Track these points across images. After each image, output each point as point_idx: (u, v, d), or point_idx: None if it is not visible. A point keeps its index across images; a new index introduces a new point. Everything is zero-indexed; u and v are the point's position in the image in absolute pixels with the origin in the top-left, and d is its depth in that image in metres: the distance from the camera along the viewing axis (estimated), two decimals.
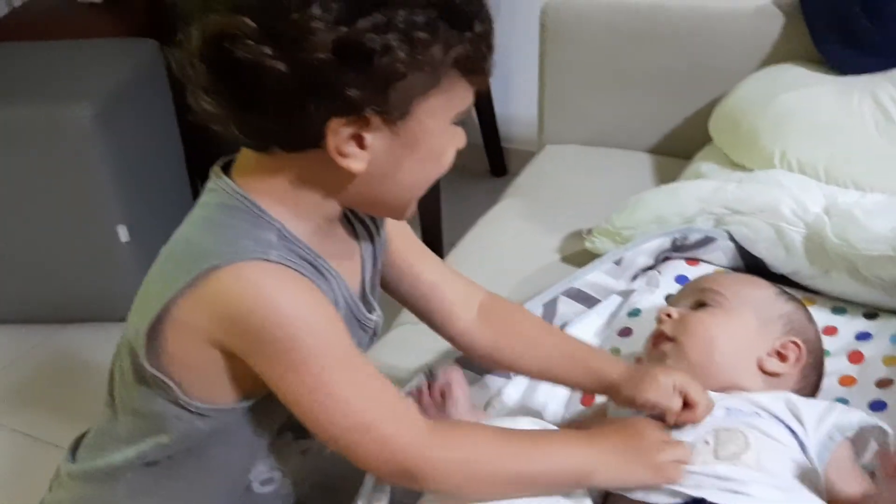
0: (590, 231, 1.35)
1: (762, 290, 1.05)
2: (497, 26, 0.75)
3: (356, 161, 0.73)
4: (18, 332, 2.09)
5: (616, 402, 0.94)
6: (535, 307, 1.13)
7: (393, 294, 0.96)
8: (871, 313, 1.16)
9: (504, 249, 1.47)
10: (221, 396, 0.79)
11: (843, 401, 1.04)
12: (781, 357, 0.99)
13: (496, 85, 2.59)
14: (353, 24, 0.66)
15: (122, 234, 1.98)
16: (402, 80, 0.69)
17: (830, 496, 0.85)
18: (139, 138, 2.12)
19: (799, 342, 0.99)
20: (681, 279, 1.23)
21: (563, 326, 1.16)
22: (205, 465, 0.83)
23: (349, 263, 0.85)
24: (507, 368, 1.04)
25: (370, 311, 0.87)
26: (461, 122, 0.79)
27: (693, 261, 1.26)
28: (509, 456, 0.80)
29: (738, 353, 0.98)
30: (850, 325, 1.16)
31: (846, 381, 1.07)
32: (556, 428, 0.94)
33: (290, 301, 0.72)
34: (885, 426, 0.91)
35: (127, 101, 2.07)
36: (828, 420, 0.89)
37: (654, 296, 1.20)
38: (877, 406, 1.02)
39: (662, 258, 1.27)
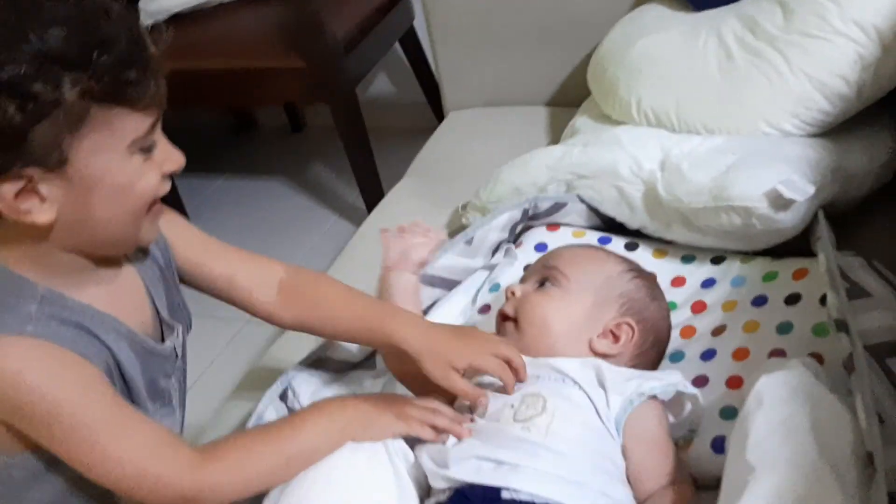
0: (465, 206, 1.39)
1: (606, 268, 1.06)
2: None
3: (41, 214, 0.76)
4: None
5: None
6: None
7: (198, 289, 1.02)
8: (719, 257, 1.19)
9: None
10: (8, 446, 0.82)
11: (679, 354, 1.08)
12: (615, 337, 1.01)
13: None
14: None
15: None
16: (30, 132, 0.71)
17: (628, 459, 0.90)
18: None
19: (632, 322, 1.02)
20: (540, 247, 1.27)
21: (427, 309, 1.21)
22: None
23: (130, 299, 0.90)
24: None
25: (170, 333, 0.93)
26: None
27: (553, 226, 1.29)
28: (273, 448, 0.87)
29: (569, 334, 1.01)
30: (697, 273, 1.18)
31: (686, 332, 1.11)
32: None
33: (44, 379, 0.77)
34: (694, 391, 0.94)
35: None
36: (631, 385, 0.93)
37: (513, 268, 1.24)
38: (707, 355, 1.05)
39: (523, 228, 1.31)
